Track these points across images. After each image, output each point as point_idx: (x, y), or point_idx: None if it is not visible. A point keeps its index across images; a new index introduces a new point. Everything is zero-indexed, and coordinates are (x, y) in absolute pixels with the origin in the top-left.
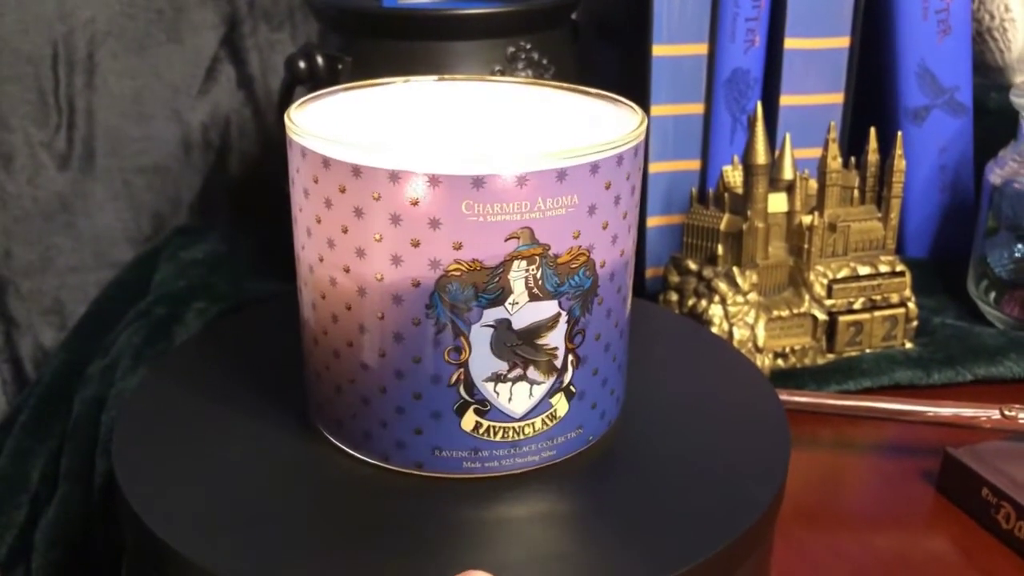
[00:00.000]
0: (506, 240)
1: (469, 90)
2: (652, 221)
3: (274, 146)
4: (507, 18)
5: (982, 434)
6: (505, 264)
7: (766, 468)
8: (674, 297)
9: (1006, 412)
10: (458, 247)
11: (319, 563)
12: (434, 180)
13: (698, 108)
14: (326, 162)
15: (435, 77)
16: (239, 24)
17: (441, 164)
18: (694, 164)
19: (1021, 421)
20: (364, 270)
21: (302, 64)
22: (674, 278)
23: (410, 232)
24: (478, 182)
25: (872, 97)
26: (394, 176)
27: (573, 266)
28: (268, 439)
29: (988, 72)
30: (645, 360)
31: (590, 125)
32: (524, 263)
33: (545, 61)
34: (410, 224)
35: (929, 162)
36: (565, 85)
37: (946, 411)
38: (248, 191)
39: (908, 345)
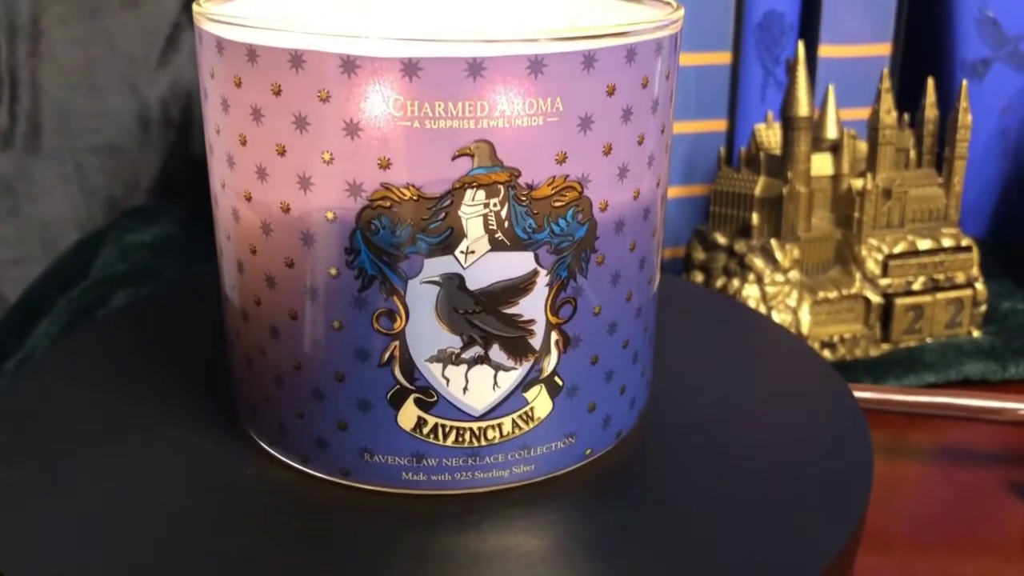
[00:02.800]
0: (454, 159)
1: None
2: (670, 192)
3: None
4: None
5: None
6: (455, 194)
7: (847, 473)
8: (700, 277)
9: None
10: (385, 165)
11: None
12: (349, 64)
13: (724, 58)
14: (220, 46)
15: None
16: None
17: (361, 44)
18: (719, 124)
19: None
20: (267, 197)
21: None
22: (699, 255)
23: (319, 142)
24: (411, 67)
25: (923, 49)
26: (296, 59)
27: (556, 204)
28: (170, 434)
29: None
30: (670, 349)
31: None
32: (482, 194)
33: None
34: (319, 129)
35: (989, 125)
36: None
37: None
38: None
39: (976, 333)
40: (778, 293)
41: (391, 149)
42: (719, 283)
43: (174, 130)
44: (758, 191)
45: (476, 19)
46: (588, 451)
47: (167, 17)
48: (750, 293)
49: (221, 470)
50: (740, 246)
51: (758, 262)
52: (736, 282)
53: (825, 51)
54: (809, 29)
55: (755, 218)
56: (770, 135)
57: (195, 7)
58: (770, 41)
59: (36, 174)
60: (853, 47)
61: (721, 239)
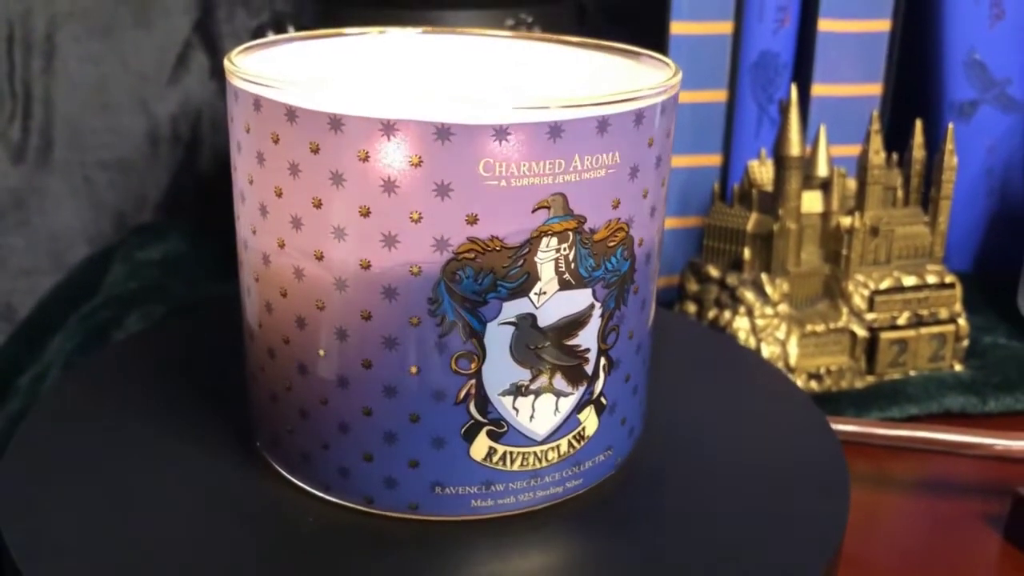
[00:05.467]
0: (534, 211)
1: (454, 44)
2: (666, 223)
3: None
4: None
5: None
6: (532, 242)
7: (826, 499)
8: (692, 308)
9: None
10: (473, 221)
11: None
12: (443, 132)
13: (720, 95)
14: (292, 114)
15: (418, 29)
16: (213, 8)
17: (452, 112)
18: (714, 159)
19: None
20: (343, 256)
21: (271, 35)
22: (693, 287)
23: (409, 203)
24: (501, 134)
25: (912, 89)
26: (388, 128)
27: (610, 244)
28: (207, 477)
29: None
30: (668, 373)
31: (606, 80)
32: (555, 240)
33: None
34: (408, 192)
35: (976, 163)
36: (566, 38)
37: (1018, 444)
38: (220, 189)
39: (958, 367)
40: (767, 325)
41: (479, 206)
42: (711, 314)
43: (183, 147)
44: (750, 227)
45: (501, 82)
46: (619, 460)
47: (178, 36)
48: (740, 325)
49: (270, 516)
50: (732, 279)
51: (749, 295)
52: (727, 314)
53: (818, 90)
54: (803, 69)
55: (747, 253)
56: (763, 171)
57: (227, 64)
58: (765, 80)
59: (47, 187)
60: (845, 86)
61: (714, 272)
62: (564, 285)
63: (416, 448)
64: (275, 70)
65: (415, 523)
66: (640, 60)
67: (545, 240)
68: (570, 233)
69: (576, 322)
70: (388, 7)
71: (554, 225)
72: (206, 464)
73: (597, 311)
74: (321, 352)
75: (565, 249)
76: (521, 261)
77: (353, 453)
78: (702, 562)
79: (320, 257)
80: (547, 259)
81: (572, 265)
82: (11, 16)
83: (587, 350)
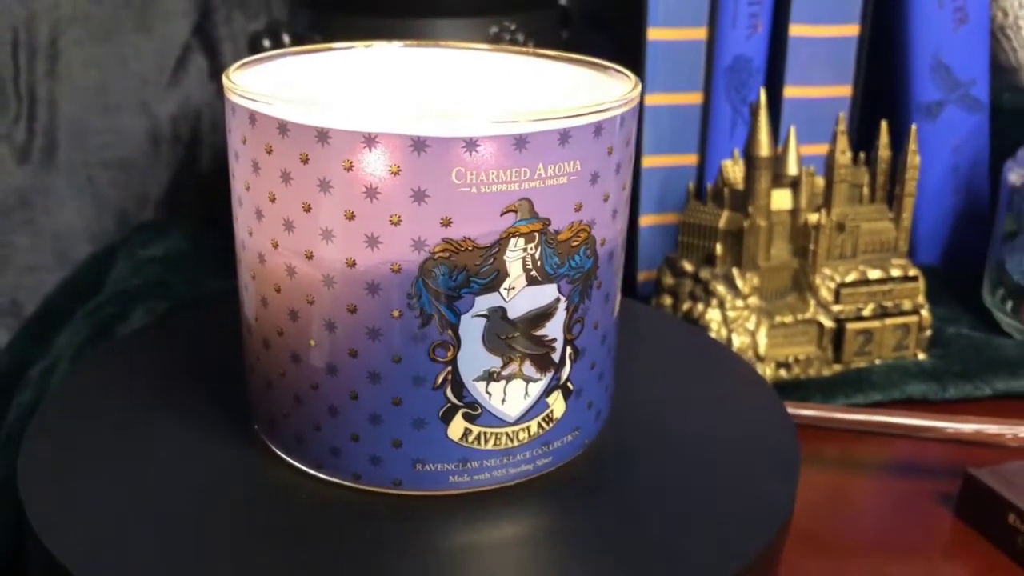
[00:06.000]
0: (502, 214)
1: (436, 56)
2: (645, 220)
3: None
4: None
5: (1005, 453)
6: (501, 242)
7: (775, 481)
8: (668, 301)
9: None
10: (447, 223)
11: None
12: (419, 144)
13: (696, 98)
14: (283, 127)
15: (400, 43)
16: (212, 12)
17: (427, 125)
18: (691, 159)
19: None
20: (331, 255)
21: (267, 43)
22: (668, 280)
23: (389, 207)
24: (471, 145)
25: (881, 91)
26: (370, 140)
27: (574, 244)
28: (210, 457)
29: (1001, 72)
30: (638, 362)
31: (570, 93)
32: (522, 241)
33: (530, 43)
34: (389, 198)
35: (942, 162)
36: (541, 51)
37: (968, 427)
38: (219, 188)
39: (921, 356)
40: (738, 317)
41: (453, 210)
42: (685, 307)
43: (183, 147)
44: (722, 224)
45: (478, 93)
46: (586, 441)
47: (178, 40)
48: (713, 317)
49: (268, 493)
50: (705, 273)
51: (720, 288)
52: (700, 306)
53: (790, 92)
54: (775, 72)
55: (719, 248)
56: (736, 171)
57: (225, 80)
58: (738, 83)
59: (51, 187)
60: (816, 88)
61: (688, 266)
62: (531, 281)
63: (399, 429)
64: (269, 86)
65: (398, 497)
66: (607, 73)
67: (513, 240)
68: (536, 234)
69: (543, 314)
70: (377, 16)
71: (521, 227)
72: (209, 446)
73: (562, 304)
74: (312, 342)
75: (532, 248)
76: (491, 259)
77: (342, 434)
78: (659, 533)
79: (310, 256)
80: (515, 258)
81: (538, 263)
82: (16, 22)
83: (554, 340)
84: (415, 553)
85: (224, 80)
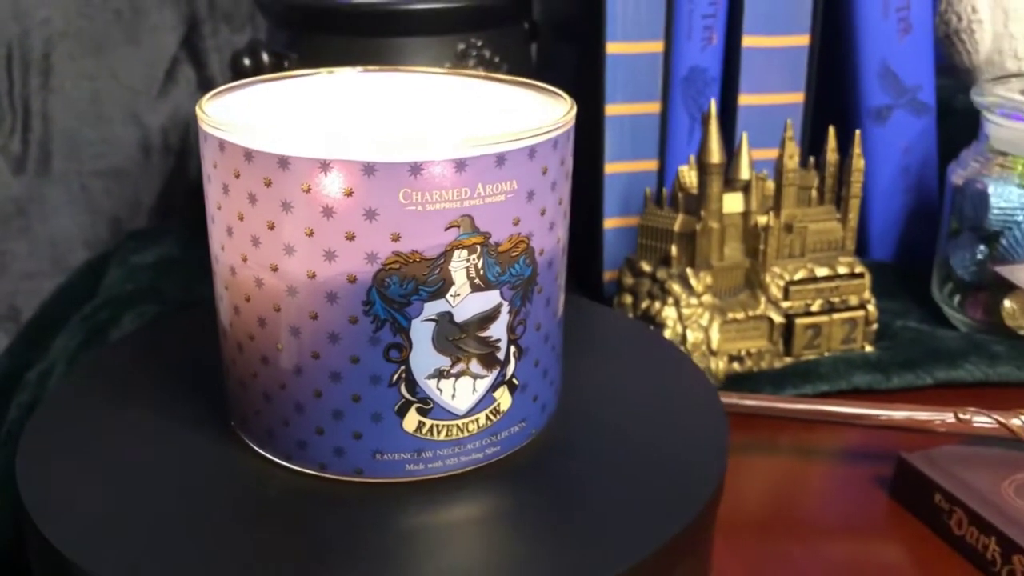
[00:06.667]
0: (446, 229)
1: (394, 81)
2: (609, 223)
3: None
4: (456, 15)
5: (939, 438)
6: (446, 254)
7: (704, 466)
8: (628, 299)
9: (961, 415)
10: (396, 239)
11: None
12: (369, 168)
13: (654, 107)
14: (248, 154)
15: (359, 68)
16: (199, 25)
17: (376, 152)
18: (651, 165)
19: (976, 424)
20: (294, 268)
21: (247, 61)
22: (628, 280)
23: (344, 225)
24: (415, 169)
25: (834, 97)
26: (325, 166)
27: (514, 254)
28: (192, 450)
29: (957, 74)
30: (588, 360)
31: (517, 113)
32: (465, 252)
33: (497, 59)
34: (344, 216)
35: (892, 163)
36: (490, 75)
37: (899, 415)
38: None
39: (868, 348)
40: (692, 314)
41: (401, 227)
42: (644, 305)
43: (173, 156)
44: (677, 227)
45: (431, 115)
46: (533, 431)
47: (167, 53)
48: (668, 314)
49: (245, 482)
50: (662, 273)
51: (676, 287)
52: (657, 304)
53: (744, 100)
54: (730, 81)
55: (674, 250)
56: (691, 176)
57: (198, 111)
58: (695, 92)
59: (46, 196)
60: (770, 96)
61: (646, 267)
62: (475, 288)
63: (359, 423)
64: (237, 115)
65: (360, 485)
66: (550, 96)
67: (457, 252)
68: (478, 246)
69: (487, 318)
70: (350, 35)
71: (464, 240)
72: (190, 440)
73: (505, 308)
74: (279, 346)
75: (474, 259)
76: (438, 270)
77: (308, 428)
78: (594, 513)
79: (275, 269)
80: (459, 268)
81: (481, 272)
82: (10, 37)
83: (498, 340)
84: (376, 534)
85: (197, 111)
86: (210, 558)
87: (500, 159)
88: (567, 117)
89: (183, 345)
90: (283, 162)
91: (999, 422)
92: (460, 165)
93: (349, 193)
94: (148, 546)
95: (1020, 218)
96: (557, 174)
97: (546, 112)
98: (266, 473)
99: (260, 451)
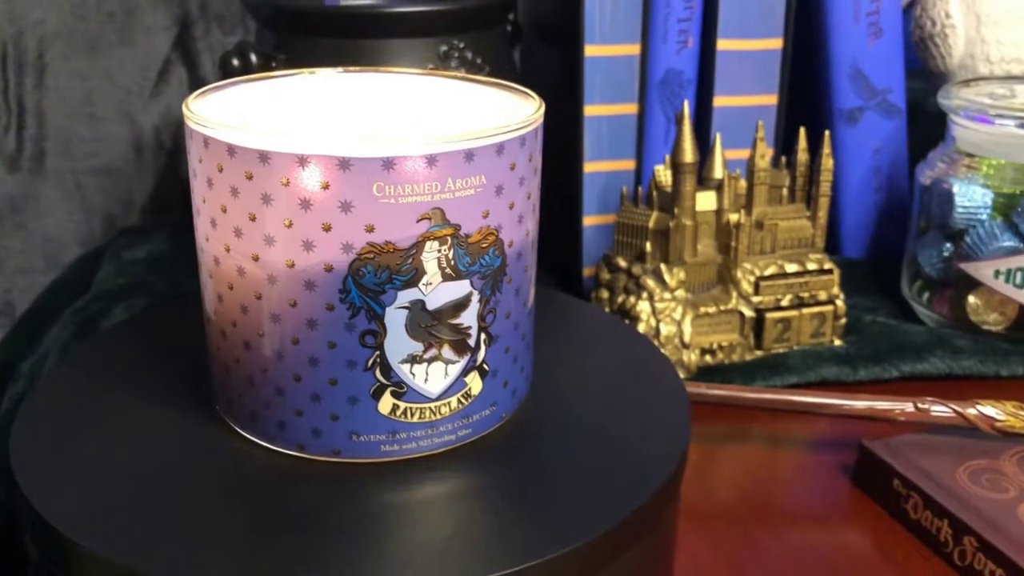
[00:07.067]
0: (418, 221)
1: (373, 81)
2: (588, 220)
3: None
4: (439, 17)
5: (900, 427)
6: (418, 245)
7: (664, 448)
8: (605, 294)
9: (919, 405)
10: (370, 230)
11: (239, 549)
12: (344, 163)
13: (632, 108)
14: (231, 150)
15: (339, 69)
16: (191, 26)
17: (351, 147)
18: (629, 164)
19: (934, 414)
20: (274, 257)
21: (236, 61)
22: (605, 275)
23: (321, 217)
24: (388, 164)
25: (807, 99)
26: (303, 160)
27: (483, 245)
28: (178, 432)
29: (931, 77)
30: (562, 350)
31: (489, 113)
32: (436, 243)
33: (479, 60)
34: (321, 209)
35: (863, 163)
36: (465, 76)
37: (860, 404)
38: None
39: (837, 342)
40: (666, 308)
41: (375, 219)
42: (620, 299)
43: (165, 155)
44: (651, 224)
45: (406, 114)
46: (504, 415)
47: (159, 54)
48: (643, 308)
49: (230, 461)
50: (636, 269)
51: (650, 282)
52: (632, 299)
53: (719, 101)
54: (705, 84)
55: (649, 246)
56: (666, 175)
57: (185, 109)
58: (670, 94)
59: (41, 193)
60: (744, 98)
61: (622, 263)
62: (446, 277)
63: (336, 405)
64: (222, 113)
65: (338, 464)
66: (522, 96)
67: (428, 243)
68: (448, 238)
69: (458, 306)
70: (336, 37)
71: (435, 232)
72: (177, 423)
73: (475, 297)
74: (260, 333)
75: (445, 250)
76: (410, 260)
77: (288, 411)
78: (558, 491)
79: (256, 259)
80: (431, 258)
81: (452, 262)
82: (4, 37)
83: (469, 327)
84: (352, 510)
85: (184, 109)
86: (195, 530)
87: (469, 155)
88: (535, 116)
89: (170, 333)
90: (263, 157)
91: (956, 411)
92: (431, 160)
93: (326, 186)
94: (137, 520)
95: (984, 217)
96: (525, 170)
97: (515, 112)
98: (248, 453)
99: (243, 433)
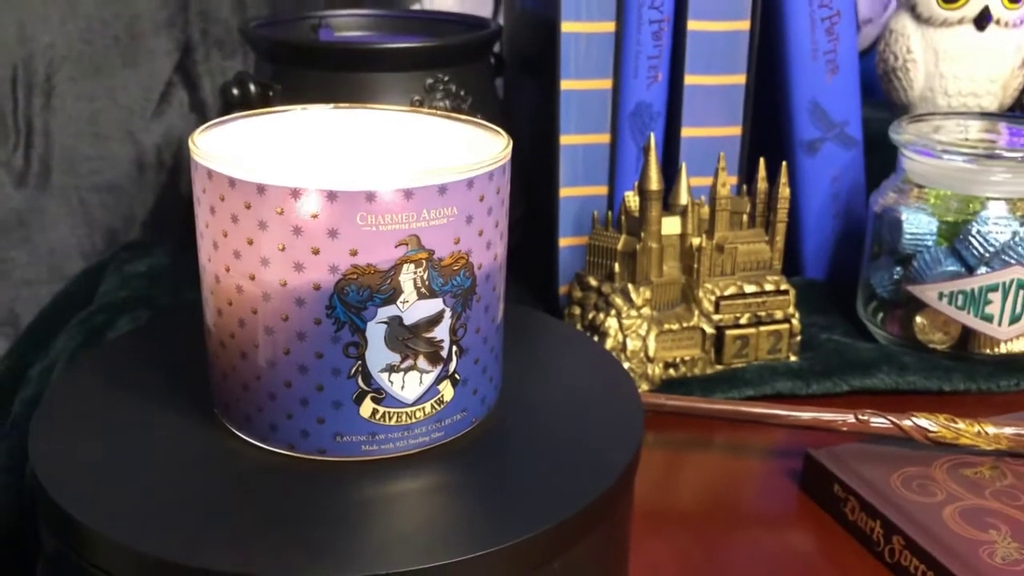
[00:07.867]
0: (396, 246)
1: (360, 117)
2: (564, 241)
3: None
4: (425, 52)
5: (846, 437)
6: (396, 267)
7: (617, 450)
8: (577, 311)
9: (860, 416)
10: (354, 253)
11: (235, 536)
12: (331, 196)
13: (604, 138)
14: (232, 182)
15: (330, 105)
16: (192, 51)
17: (338, 182)
18: (602, 190)
19: (873, 425)
20: (269, 277)
21: (235, 91)
22: (577, 293)
23: (311, 242)
24: (371, 196)
25: (770, 130)
26: (296, 193)
27: (455, 268)
28: (180, 432)
29: (894, 109)
30: (531, 362)
31: (464, 147)
32: (413, 266)
33: (463, 92)
34: (311, 235)
35: (823, 190)
36: (444, 113)
37: (806, 415)
38: None
39: (792, 358)
40: (632, 324)
41: (358, 244)
42: (590, 315)
43: (166, 172)
44: (620, 246)
45: (390, 149)
46: (474, 420)
47: (162, 76)
48: (611, 324)
49: (227, 459)
50: (606, 288)
51: (618, 300)
52: (602, 315)
53: (687, 132)
54: (673, 116)
55: (617, 267)
56: (635, 201)
57: (191, 144)
58: (641, 125)
59: (46, 208)
60: (710, 129)
61: (593, 282)
62: (421, 296)
63: (322, 409)
64: (223, 148)
65: (323, 462)
66: (494, 134)
67: (406, 266)
68: (423, 261)
69: (432, 321)
70: (327, 70)
71: (411, 256)
72: (179, 425)
73: (448, 314)
74: (256, 344)
75: (421, 272)
76: (389, 280)
77: (279, 414)
78: (520, 488)
79: (253, 278)
80: (408, 279)
81: (427, 282)
82: (15, 60)
83: (442, 341)
84: (336, 503)
85: (190, 144)
86: (196, 519)
87: (442, 189)
88: (503, 153)
89: (173, 343)
90: (260, 189)
91: (893, 423)
92: (408, 194)
93: (315, 216)
94: (142, 510)
95: (930, 243)
96: (494, 201)
97: (487, 148)
98: (243, 452)
99: (239, 433)
